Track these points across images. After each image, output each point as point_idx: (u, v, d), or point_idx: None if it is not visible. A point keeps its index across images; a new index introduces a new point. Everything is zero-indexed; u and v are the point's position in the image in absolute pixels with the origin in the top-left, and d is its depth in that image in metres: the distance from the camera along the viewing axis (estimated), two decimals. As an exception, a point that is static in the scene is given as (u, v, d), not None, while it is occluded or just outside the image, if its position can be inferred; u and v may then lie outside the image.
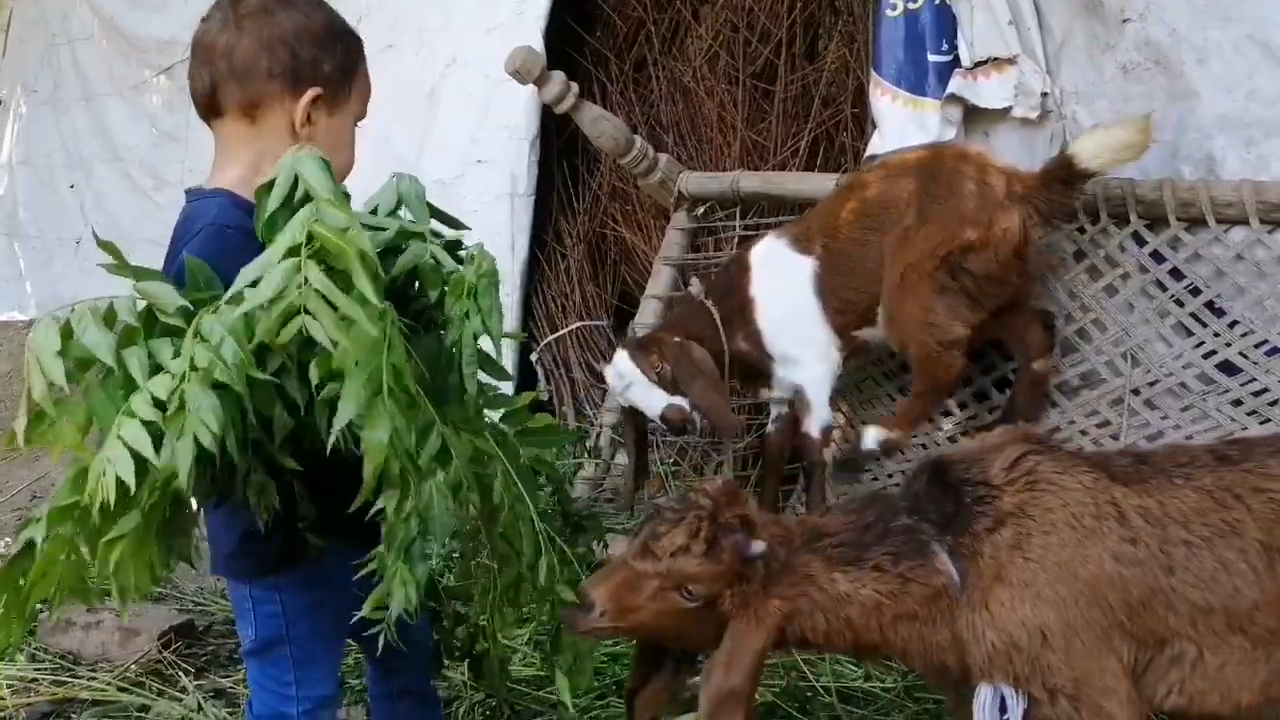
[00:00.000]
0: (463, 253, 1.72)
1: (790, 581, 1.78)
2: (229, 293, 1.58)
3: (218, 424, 1.49)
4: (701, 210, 3.81)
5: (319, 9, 1.95)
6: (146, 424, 1.50)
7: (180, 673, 2.96)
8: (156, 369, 1.56)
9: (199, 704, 2.77)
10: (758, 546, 1.78)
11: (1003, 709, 1.75)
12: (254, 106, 1.89)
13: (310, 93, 1.89)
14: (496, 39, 4.30)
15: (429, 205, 1.79)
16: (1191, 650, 1.75)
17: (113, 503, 1.49)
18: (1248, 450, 1.84)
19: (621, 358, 3.06)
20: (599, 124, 3.70)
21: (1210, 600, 1.74)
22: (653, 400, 3.02)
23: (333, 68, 1.92)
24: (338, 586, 1.82)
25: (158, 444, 1.50)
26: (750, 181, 3.67)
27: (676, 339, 3.06)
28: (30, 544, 1.57)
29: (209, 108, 1.92)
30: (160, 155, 6.00)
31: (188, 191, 1.94)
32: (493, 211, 4.50)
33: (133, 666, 2.98)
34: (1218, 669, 1.75)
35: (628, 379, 3.04)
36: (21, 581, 1.59)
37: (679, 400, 2.99)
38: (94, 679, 2.91)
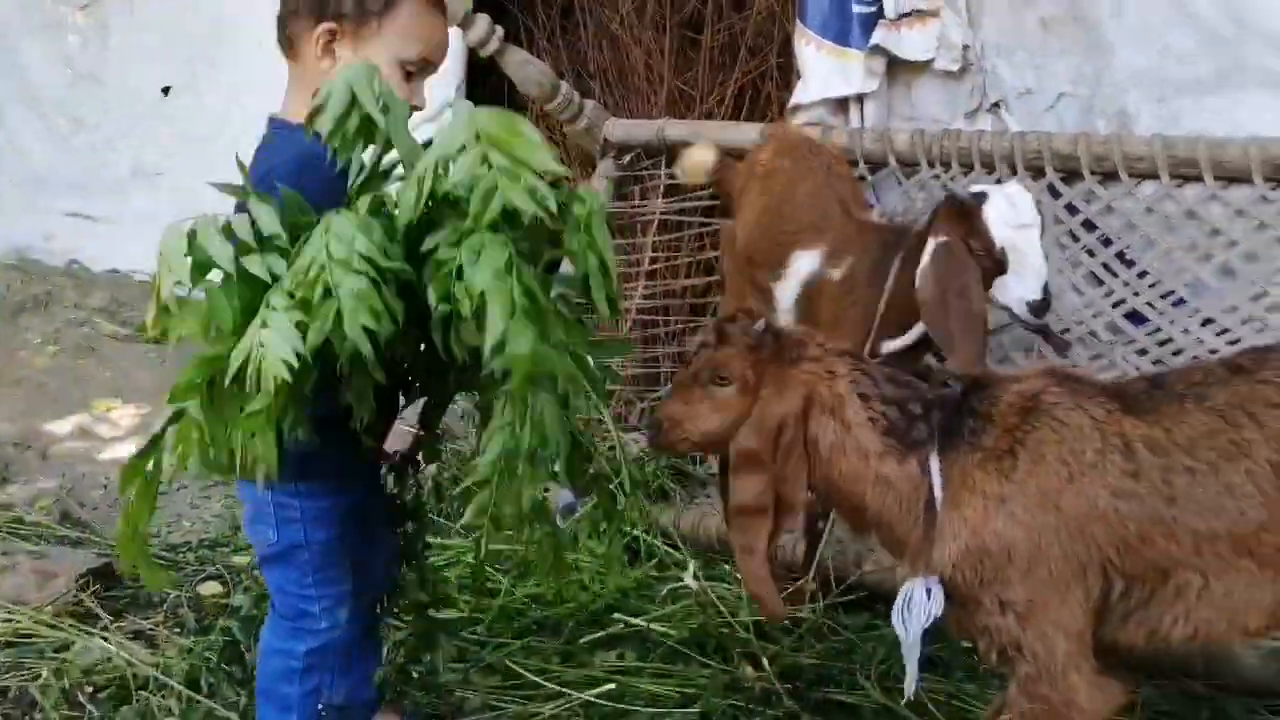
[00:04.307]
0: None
1: (813, 366, 1.91)
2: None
3: (369, 304, 1.57)
4: (627, 158, 3.80)
5: None
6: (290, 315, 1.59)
7: (99, 614, 2.94)
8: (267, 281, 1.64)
9: (119, 645, 2.76)
10: (758, 324, 1.94)
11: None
12: (292, 45, 1.99)
13: (321, 26, 1.92)
14: (422, -18, 4.26)
15: None
16: (1196, 579, 1.76)
17: (275, 382, 1.55)
18: (1262, 360, 1.81)
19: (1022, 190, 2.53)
20: (524, 68, 3.67)
21: (1214, 526, 1.74)
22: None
23: (352, 2, 1.93)
24: (354, 496, 2.02)
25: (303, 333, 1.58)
26: (676, 130, 3.66)
27: None
28: (159, 435, 1.67)
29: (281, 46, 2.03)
30: (77, 96, 5.86)
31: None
32: (418, 157, 4.46)
33: (49, 608, 2.95)
34: (1224, 595, 1.76)
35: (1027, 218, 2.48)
36: (150, 467, 1.68)
37: None
38: (10, 620, 2.88)
